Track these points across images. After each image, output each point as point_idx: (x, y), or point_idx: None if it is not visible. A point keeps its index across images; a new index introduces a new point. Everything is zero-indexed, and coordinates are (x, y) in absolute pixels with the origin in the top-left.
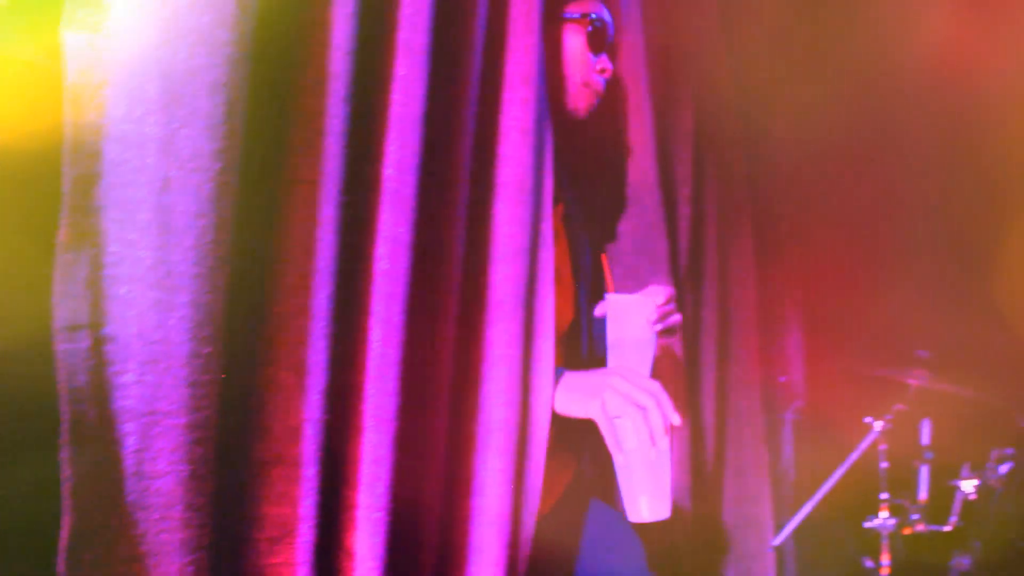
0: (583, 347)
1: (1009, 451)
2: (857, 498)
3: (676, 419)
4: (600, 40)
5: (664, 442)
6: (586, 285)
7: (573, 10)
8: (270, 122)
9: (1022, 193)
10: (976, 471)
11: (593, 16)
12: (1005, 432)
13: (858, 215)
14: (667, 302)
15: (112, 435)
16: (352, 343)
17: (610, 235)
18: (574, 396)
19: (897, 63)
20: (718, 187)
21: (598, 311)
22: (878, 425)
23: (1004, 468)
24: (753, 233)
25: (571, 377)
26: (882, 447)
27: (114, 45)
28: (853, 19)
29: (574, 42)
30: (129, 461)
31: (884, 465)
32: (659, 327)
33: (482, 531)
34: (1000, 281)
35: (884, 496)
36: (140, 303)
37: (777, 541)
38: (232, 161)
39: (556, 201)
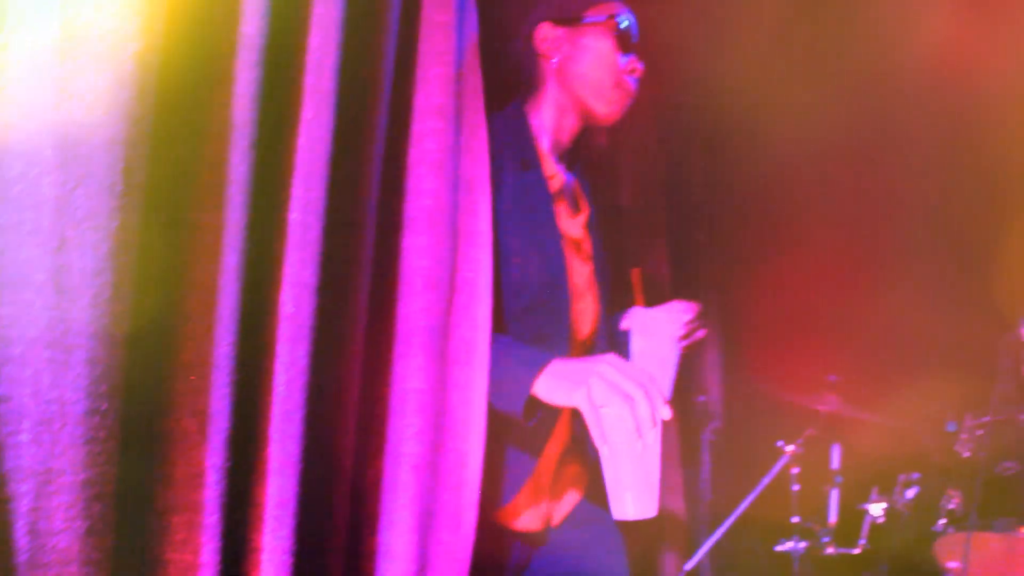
0: None
1: (916, 476)
2: (770, 521)
3: (666, 413)
4: (627, 40)
5: (651, 436)
6: (607, 296)
7: (598, 13)
8: (171, 175)
9: (1022, 193)
10: (884, 495)
11: (619, 17)
12: (912, 457)
13: (857, 215)
14: (694, 318)
15: (4, 495)
16: (256, 388)
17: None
18: (560, 383)
19: (897, 63)
20: (632, 201)
21: (623, 324)
22: (790, 449)
23: (911, 492)
24: (668, 247)
25: (559, 364)
26: (794, 471)
27: (7, 106)
28: (853, 19)
29: (603, 45)
30: (23, 520)
31: (796, 488)
32: (685, 343)
33: (387, 568)
34: (1000, 281)
35: (795, 519)
36: (35, 363)
37: (690, 565)
38: (131, 217)
39: (577, 209)
